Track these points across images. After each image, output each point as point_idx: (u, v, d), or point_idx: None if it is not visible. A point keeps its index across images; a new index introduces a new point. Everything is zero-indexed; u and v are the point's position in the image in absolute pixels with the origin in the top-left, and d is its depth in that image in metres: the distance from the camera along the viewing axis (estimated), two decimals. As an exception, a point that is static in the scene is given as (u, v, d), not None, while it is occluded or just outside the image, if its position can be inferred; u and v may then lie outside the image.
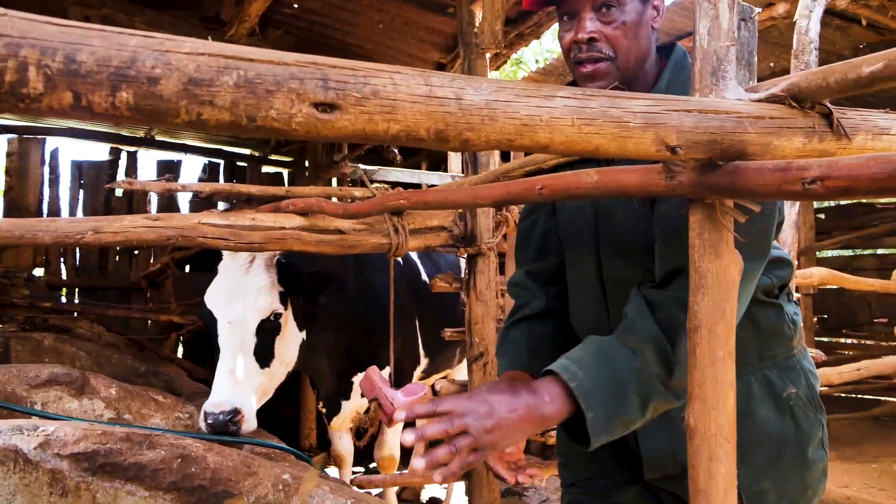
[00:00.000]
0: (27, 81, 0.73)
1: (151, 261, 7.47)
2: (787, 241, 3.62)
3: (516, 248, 1.87)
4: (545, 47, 16.35)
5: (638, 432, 1.56)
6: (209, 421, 2.49)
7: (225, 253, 2.91)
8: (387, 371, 3.08)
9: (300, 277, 2.98)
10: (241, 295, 2.80)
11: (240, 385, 2.65)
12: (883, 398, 7.24)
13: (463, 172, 4.62)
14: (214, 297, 2.85)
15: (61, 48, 0.74)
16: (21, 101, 0.74)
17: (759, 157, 1.15)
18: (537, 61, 15.68)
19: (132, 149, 7.90)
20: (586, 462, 1.71)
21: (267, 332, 2.82)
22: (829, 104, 1.21)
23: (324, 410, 3.66)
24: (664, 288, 1.38)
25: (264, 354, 2.80)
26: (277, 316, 2.85)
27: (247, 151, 8.38)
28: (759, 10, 3.80)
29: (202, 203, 6.81)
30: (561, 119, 0.99)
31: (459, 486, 4.63)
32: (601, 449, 1.35)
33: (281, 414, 5.70)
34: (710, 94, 1.18)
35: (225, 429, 2.49)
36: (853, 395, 7.57)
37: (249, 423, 2.58)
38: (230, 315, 2.77)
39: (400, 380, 3.74)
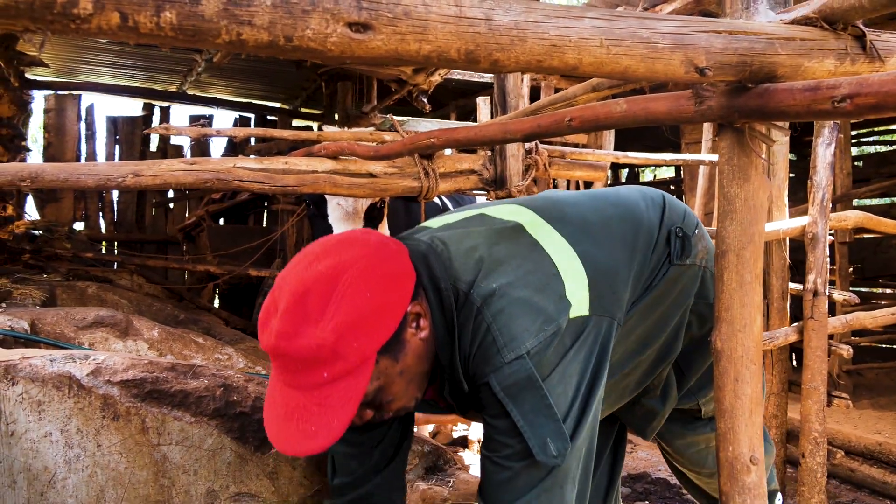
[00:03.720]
0: (77, 2, 0.77)
1: (186, 214, 7.61)
2: (821, 184, 3.57)
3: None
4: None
5: None
6: None
7: None
8: None
9: None
10: None
11: None
12: (918, 348, 7.18)
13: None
14: None
15: (108, -31, 0.78)
16: (72, 22, 0.78)
17: (789, 79, 1.15)
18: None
19: (164, 104, 8.01)
20: None
21: (373, 218, 2.84)
22: (861, 26, 1.20)
23: None
24: None
25: None
26: (383, 203, 2.88)
27: (276, 105, 8.42)
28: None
29: (234, 155, 6.90)
30: (590, 40, 1.00)
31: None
32: None
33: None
34: (740, 17, 1.18)
35: None
36: (887, 346, 7.50)
37: None
38: (342, 198, 2.76)
39: None
